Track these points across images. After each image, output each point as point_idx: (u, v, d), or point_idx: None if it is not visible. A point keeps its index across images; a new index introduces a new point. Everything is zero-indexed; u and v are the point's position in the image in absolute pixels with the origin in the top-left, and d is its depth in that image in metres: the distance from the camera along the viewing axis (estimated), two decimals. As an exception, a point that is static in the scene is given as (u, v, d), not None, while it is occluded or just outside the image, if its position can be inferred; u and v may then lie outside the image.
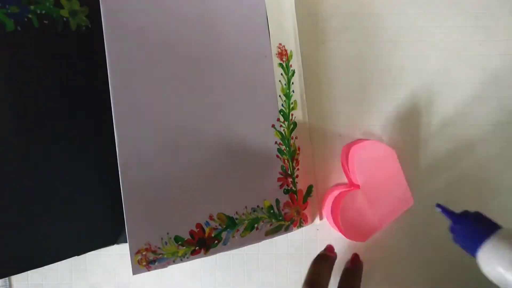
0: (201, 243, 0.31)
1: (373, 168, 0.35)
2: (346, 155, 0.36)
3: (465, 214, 0.29)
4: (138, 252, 0.28)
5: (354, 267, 0.35)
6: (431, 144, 0.37)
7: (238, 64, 0.33)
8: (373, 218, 0.35)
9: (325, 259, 0.34)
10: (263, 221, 0.33)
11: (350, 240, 0.35)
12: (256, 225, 0.33)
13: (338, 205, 0.34)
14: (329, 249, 0.36)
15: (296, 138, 0.36)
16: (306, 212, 0.36)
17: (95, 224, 0.35)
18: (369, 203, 0.35)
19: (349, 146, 0.36)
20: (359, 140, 0.37)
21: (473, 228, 0.27)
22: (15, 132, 0.32)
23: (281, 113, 0.35)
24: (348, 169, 0.35)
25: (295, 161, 0.36)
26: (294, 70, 0.36)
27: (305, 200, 0.36)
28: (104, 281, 0.38)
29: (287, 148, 0.35)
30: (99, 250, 0.36)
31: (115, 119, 0.28)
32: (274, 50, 0.35)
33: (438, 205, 0.30)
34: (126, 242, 0.28)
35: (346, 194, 0.34)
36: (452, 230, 0.29)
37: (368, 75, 0.38)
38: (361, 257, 0.36)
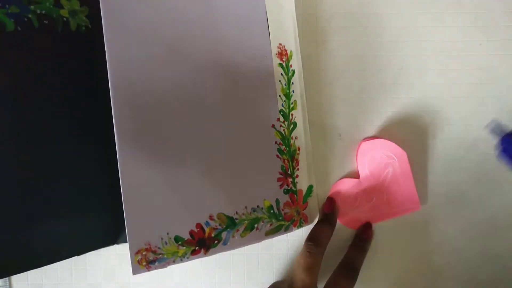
0: (201, 243, 0.31)
1: (377, 164, 0.36)
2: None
3: None
4: (138, 252, 0.28)
5: (362, 241, 0.36)
6: (431, 144, 0.37)
7: (238, 64, 0.33)
8: (368, 210, 0.37)
9: (327, 221, 0.35)
10: (263, 221, 0.33)
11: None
12: (256, 225, 0.33)
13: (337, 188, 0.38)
14: (328, 207, 0.36)
15: (296, 138, 0.36)
16: (306, 212, 0.36)
17: (95, 224, 0.35)
18: (367, 195, 0.36)
19: (362, 141, 0.37)
20: (375, 137, 0.38)
21: None
22: (14, 132, 0.32)
23: (281, 113, 0.35)
24: (356, 161, 0.37)
25: (295, 161, 0.36)
26: (294, 70, 0.36)
27: (305, 200, 0.36)
28: (104, 281, 0.38)
29: (287, 148, 0.35)
30: (99, 250, 0.36)
31: (115, 119, 0.28)
32: (274, 50, 0.35)
33: (493, 122, 0.34)
34: (126, 242, 0.28)
35: (345, 180, 0.37)
36: (504, 149, 0.32)
37: (368, 75, 0.38)
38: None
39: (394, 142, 0.36)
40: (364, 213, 0.37)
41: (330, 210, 0.36)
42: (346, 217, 0.37)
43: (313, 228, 0.35)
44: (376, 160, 0.36)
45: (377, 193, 0.37)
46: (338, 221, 0.37)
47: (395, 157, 0.36)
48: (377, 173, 0.36)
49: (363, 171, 0.37)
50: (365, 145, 0.37)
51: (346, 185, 0.37)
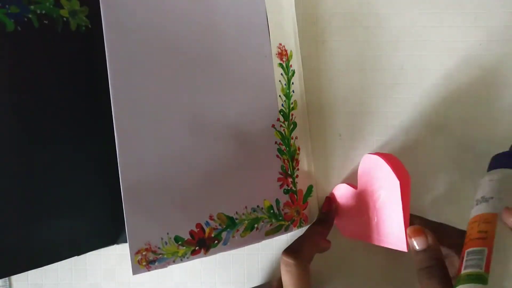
0: (201, 243, 0.31)
1: (371, 183, 0.32)
2: None
3: None
4: (138, 252, 0.28)
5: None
6: (431, 144, 0.37)
7: (238, 64, 0.33)
8: (358, 224, 0.34)
9: (322, 221, 0.35)
10: (263, 221, 0.33)
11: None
12: (256, 225, 0.33)
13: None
14: (325, 206, 0.36)
15: (296, 138, 0.36)
16: (306, 212, 0.36)
17: (95, 224, 0.35)
18: (359, 209, 0.34)
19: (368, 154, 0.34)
20: (385, 154, 0.33)
21: None
22: (14, 132, 0.32)
23: (281, 113, 0.35)
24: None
25: (295, 161, 0.36)
26: (294, 70, 0.36)
27: (305, 200, 0.36)
28: (104, 281, 0.38)
29: (287, 148, 0.35)
30: (99, 250, 0.36)
31: (115, 119, 0.28)
32: (274, 50, 0.35)
33: None
34: (126, 242, 0.28)
35: (344, 185, 0.35)
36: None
37: (368, 75, 0.38)
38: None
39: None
40: (355, 225, 0.34)
41: (327, 210, 0.36)
42: (341, 220, 0.36)
43: (305, 231, 0.34)
44: (371, 178, 0.32)
45: (368, 212, 0.33)
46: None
47: (385, 184, 0.31)
48: (370, 191, 0.32)
49: (360, 184, 0.34)
50: (367, 158, 0.33)
51: (344, 192, 0.35)
